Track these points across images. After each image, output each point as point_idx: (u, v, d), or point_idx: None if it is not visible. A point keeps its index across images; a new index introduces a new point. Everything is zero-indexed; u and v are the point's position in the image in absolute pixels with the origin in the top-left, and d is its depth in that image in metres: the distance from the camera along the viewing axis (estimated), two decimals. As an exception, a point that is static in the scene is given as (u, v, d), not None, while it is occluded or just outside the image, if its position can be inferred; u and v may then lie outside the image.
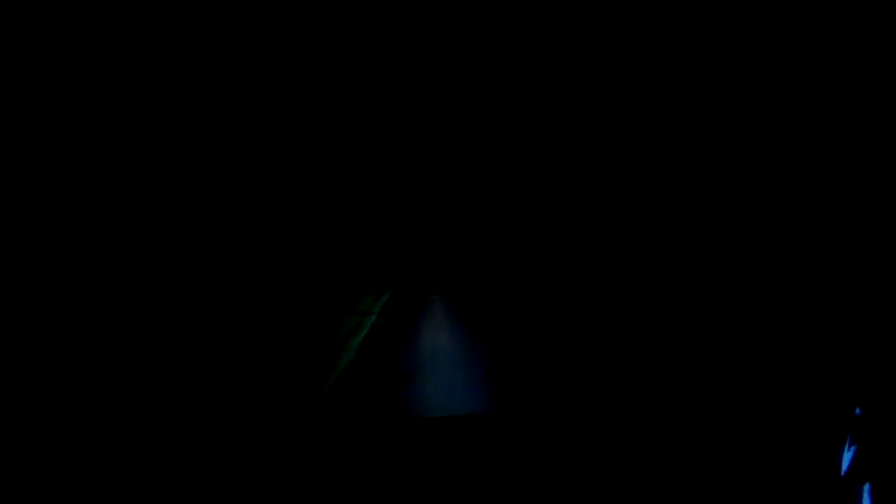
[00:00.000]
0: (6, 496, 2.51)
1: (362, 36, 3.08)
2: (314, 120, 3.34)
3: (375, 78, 3.19)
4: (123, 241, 3.28)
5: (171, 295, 3.44)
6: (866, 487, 1.60)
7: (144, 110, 3.09)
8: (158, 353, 3.57)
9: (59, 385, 3.15)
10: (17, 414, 2.92)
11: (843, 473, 1.82)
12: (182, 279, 3.50)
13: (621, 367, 4.03)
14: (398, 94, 3.33)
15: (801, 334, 2.65)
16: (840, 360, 2.44)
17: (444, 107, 3.40)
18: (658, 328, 3.46)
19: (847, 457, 1.83)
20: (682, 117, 2.95)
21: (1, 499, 2.50)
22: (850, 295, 2.54)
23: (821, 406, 2.43)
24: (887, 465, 1.65)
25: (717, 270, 2.97)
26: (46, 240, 3.04)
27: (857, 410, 1.88)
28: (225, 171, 3.46)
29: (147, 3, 2.79)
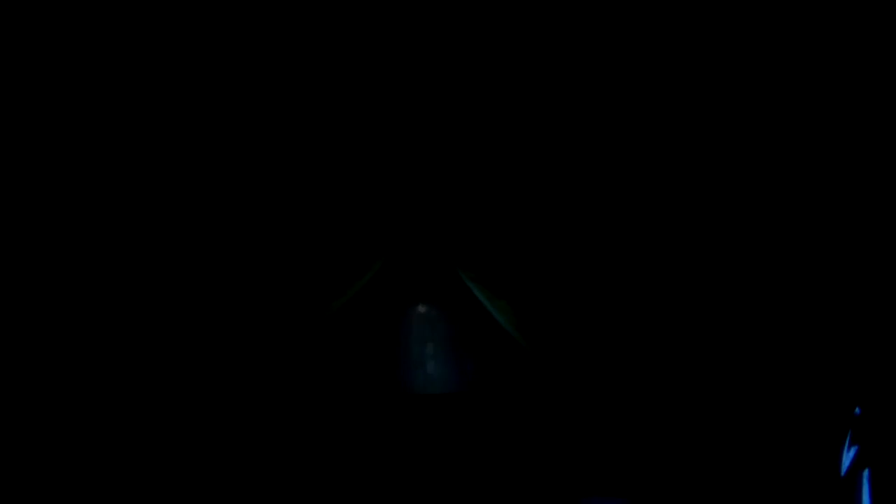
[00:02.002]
0: (6, 496, 2.51)
1: (346, 22, 3.05)
2: (306, 113, 3.33)
3: (364, 71, 3.18)
4: (112, 237, 3.28)
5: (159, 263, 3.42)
6: (865, 473, 1.60)
7: (124, 108, 3.09)
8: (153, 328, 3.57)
9: (57, 385, 3.16)
10: (16, 414, 2.92)
11: (843, 473, 1.83)
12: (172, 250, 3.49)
13: (615, 363, 4.03)
14: (390, 87, 3.31)
15: (801, 334, 2.65)
16: (840, 360, 2.45)
17: (440, 103, 3.38)
18: (655, 324, 3.46)
19: (847, 457, 1.83)
20: (684, 119, 2.95)
21: (1, 499, 2.50)
22: (850, 295, 2.54)
23: (821, 406, 2.44)
24: (887, 464, 1.66)
25: (713, 268, 2.97)
26: (34, 240, 3.05)
27: (857, 410, 1.88)
28: (214, 160, 3.44)
29: (146, 2, 2.79)
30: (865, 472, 1.59)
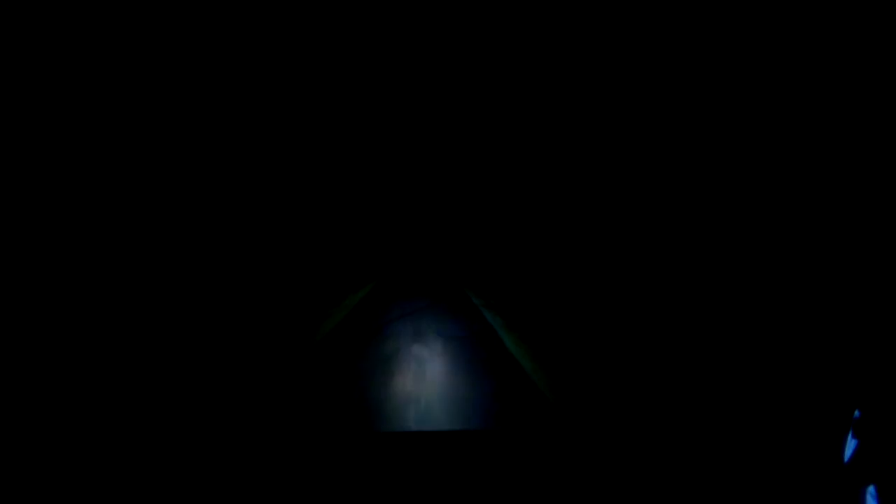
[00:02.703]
0: (6, 496, 2.51)
1: (358, 29, 3.04)
2: (310, 121, 3.31)
3: (366, 79, 3.16)
4: (115, 238, 3.26)
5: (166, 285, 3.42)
6: (871, 489, 1.60)
7: (131, 110, 3.07)
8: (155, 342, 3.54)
9: (58, 385, 3.15)
10: (16, 414, 2.91)
11: (846, 461, 1.83)
12: (177, 265, 3.48)
13: (620, 367, 4.02)
14: (392, 95, 3.30)
15: (801, 335, 2.65)
16: (840, 361, 2.45)
17: (437, 108, 3.37)
18: (658, 331, 3.44)
19: (850, 446, 1.83)
20: (683, 119, 2.94)
21: (1, 499, 2.50)
22: (850, 295, 2.54)
23: (822, 404, 2.44)
24: (889, 462, 1.66)
25: (718, 276, 2.97)
26: (39, 240, 3.03)
27: (857, 413, 1.88)
28: (218, 169, 3.45)
29: (147, 3, 2.77)
30: (871, 489, 1.58)
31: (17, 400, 2.91)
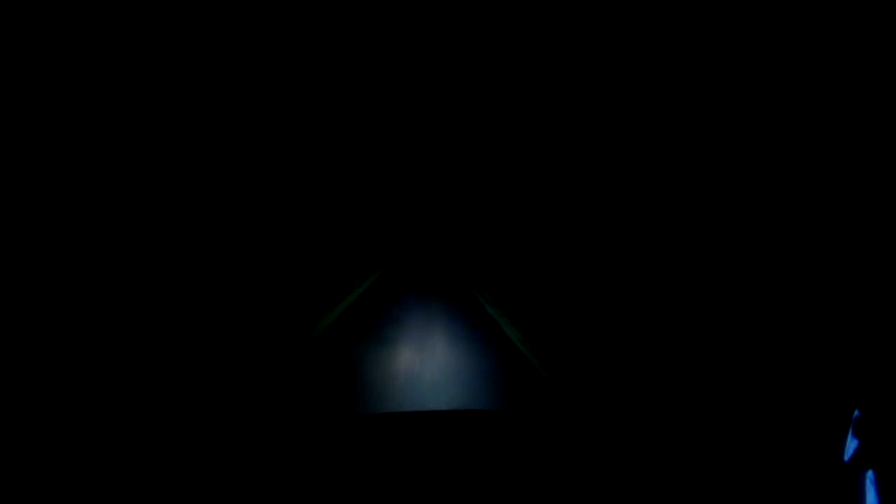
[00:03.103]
0: (6, 496, 2.51)
1: (358, 27, 3.05)
2: (313, 120, 3.32)
3: (367, 77, 3.17)
4: (118, 238, 3.26)
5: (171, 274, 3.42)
6: (870, 475, 1.61)
7: (133, 111, 3.07)
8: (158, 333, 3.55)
9: (58, 385, 3.15)
10: (17, 414, 2.92)
11: (846, 460, 1.83)
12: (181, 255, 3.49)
13: (618, 357, 4.03)
14: (391, 94, 3.31)
15: (802, 335, 2.65)
16: (840, 361, 2.45)
17: (439, 106, 3.38)
18: (658, 326, 3.45)
19: (850, 446, 1.84)
20: (684, 119, 2.94)
21: (1, 499, 2.50)
22: (849, 295, 2.54)
23: (823, 403, 2.44)
24: (890, 459, 1.66)
25: (719, 276, 2.97)
26: (42, 240, 3.03)
27: (857, 413, 1.88)
28: (222, 165, 3.45)
29: (148, 3, 2.77)
30: (870, 474, 1.59)
31: (9, 391, 2.91)
